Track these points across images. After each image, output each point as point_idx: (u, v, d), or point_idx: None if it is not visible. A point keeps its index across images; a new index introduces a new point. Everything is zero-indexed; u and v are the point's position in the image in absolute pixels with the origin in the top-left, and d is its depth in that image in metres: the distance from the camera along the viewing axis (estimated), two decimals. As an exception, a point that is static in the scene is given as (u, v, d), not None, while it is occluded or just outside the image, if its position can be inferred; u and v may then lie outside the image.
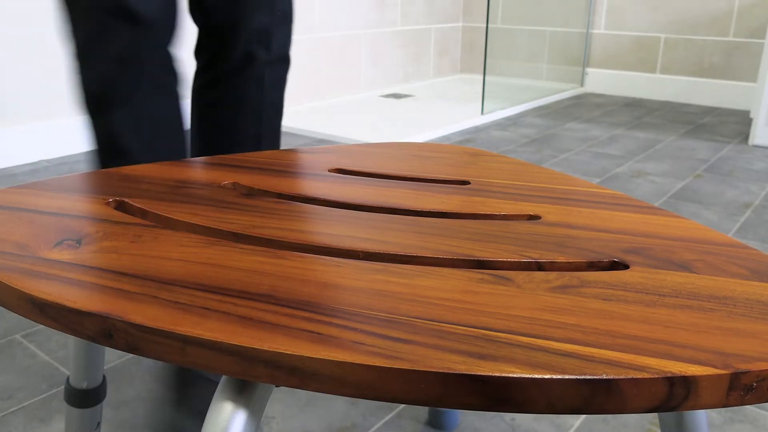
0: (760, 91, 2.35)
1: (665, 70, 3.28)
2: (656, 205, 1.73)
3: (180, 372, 0.87)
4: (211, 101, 0.96)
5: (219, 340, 0.28)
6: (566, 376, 0.26)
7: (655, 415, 0.92)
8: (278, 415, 0.90)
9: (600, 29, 3.43)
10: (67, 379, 0.60)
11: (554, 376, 0.25)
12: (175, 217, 0.43)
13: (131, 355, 1.04)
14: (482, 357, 0.27)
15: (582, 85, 3.54)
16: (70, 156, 2.18)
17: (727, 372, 0.26)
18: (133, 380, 0.99)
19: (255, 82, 0.95)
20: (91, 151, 0.85)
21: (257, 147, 0.96)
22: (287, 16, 0.95)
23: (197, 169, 0.54)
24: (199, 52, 0.98)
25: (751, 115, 2.48)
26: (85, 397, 0.60)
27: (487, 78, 3.57)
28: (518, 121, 2.70)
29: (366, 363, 0.26)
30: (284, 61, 0.98)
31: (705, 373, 0.26)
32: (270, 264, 0.36)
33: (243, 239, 0.40)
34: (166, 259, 0.36)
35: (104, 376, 0.61)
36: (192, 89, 1.01)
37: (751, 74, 3.06)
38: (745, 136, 2.52)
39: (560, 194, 0.50)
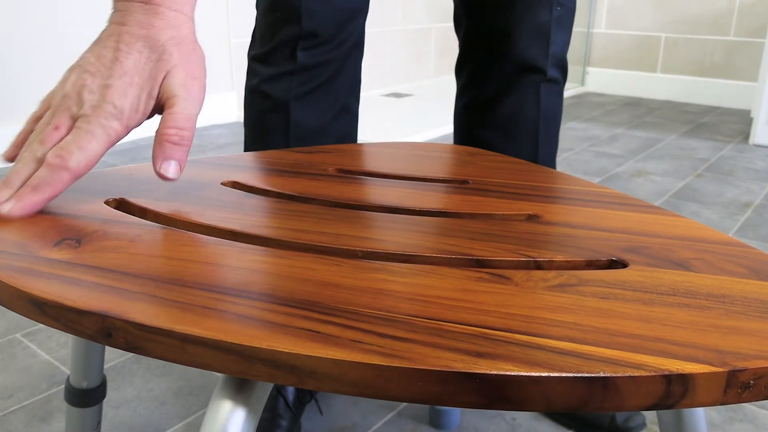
0: (760, 91, 2.35)
1: (666, 70, 3.28)
2: (657, 204, 1.73)
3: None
4: (478, 122, 0.84)
5: (218, 338, 0.28)
6: (564, 374, 0.26)
7: (654, 413, 0.92)
8: (278, 415, 0.90)
9: (600, 28, 3.43)
10: (68, 378, 0.60)
11: (552, 374, 0.26)
12: (175, 217, 0.43)
13: (131, 354, 1.04)
14: (480, 355, 0.27)
15: (582, 84, 3.54)
16: (70, 156, 2.17)
17: (725, 370, 0.26)
18: (133, 379, 0.99)
19: (531, 98, 0.80)
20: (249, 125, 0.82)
21: None
22: (570, 11, 0.80)
23: (197, 169, 0.54)
24: (462, 66, 0.86)
25: (752, 115, 2.48)
26: (86, 397, 0.60)
27: (487, 77, 3.55)
28: (518, 121, 2.70)
29: (365, 361, 0.26)
30: (563, 69, 0.82)
31: (702, 371, 0.26)
32: (269, 263, 0.36)
33: (242, 238, 0.40)
34: (166, 258, 0.36)
35: (104, 376, 0.61)
36: (455, 111, 0.88)
37: (751, 73, 3.06)
38: (745, 136, 2.52)
39: (559, 193, 0.50)
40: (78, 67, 0.43)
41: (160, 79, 0.43)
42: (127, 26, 0.43)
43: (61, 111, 0.42)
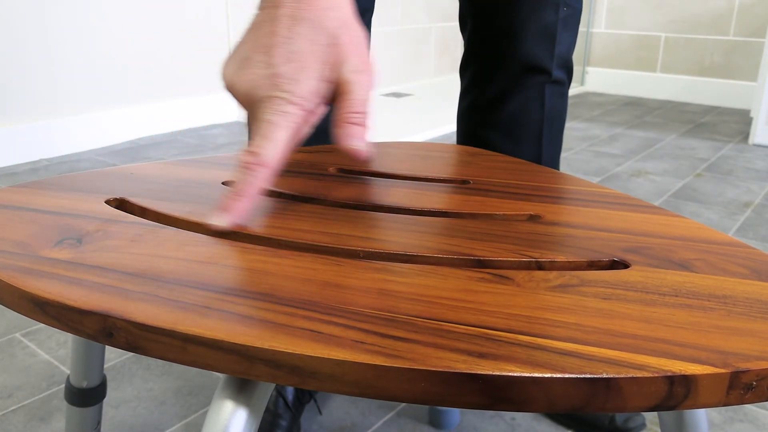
0: (760, 91, 2.35)
1: (665, 69, 3.28)
2: (656, 204, 1.73)
3: None
4: (482, 122, 0.82)
5: (219, 338, 0.28)
6: (566, 375, 0.26)
7: (655, 413, 0.92)
8: (278, 414, 0.90)
9: (600, 28, 3.43)
10: (68, 378, 0.60)
11: (554, 375, 0.26)
12: (175, 216, 0.43)
13: (131, 354, 1.04)
14: (482, 356, 0.27)
15: (582, 84, 3.54)
16: (70, 155, 2.18)
17: (727, 371, 0.26)
18: (132, 379, 0.99)
19: (535, 99, 0.79)
20: None
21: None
22: (576, 11, 0.79)
23: (198, 169, 0.54)
24: (467, 66, 0.84)
25: (752, 114, 2.48)
26: (86, 396, 0.60)
27: (487, 77, 3.56)
28: (518, 120, 2.70)
29: (366, 362, 0.26)
30: (568, 70, 0.81)
31: (705, 372, 0.26)
32: (270, 263, 0.36)
33: (243, 238, 0.40)
34: (167, 258, 0.36)
35: (104, 375, 0.61)
36: (458, 110, 0.87)
37: (751, 73, 3.06)
38: (745, 135, 2.52)
39: (560, 193, 0.50)
40: (240, 60, 0.42)
41: (332, 64, 0.42)
42: (282, 8, 0.42)
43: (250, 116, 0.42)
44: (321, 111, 0.44)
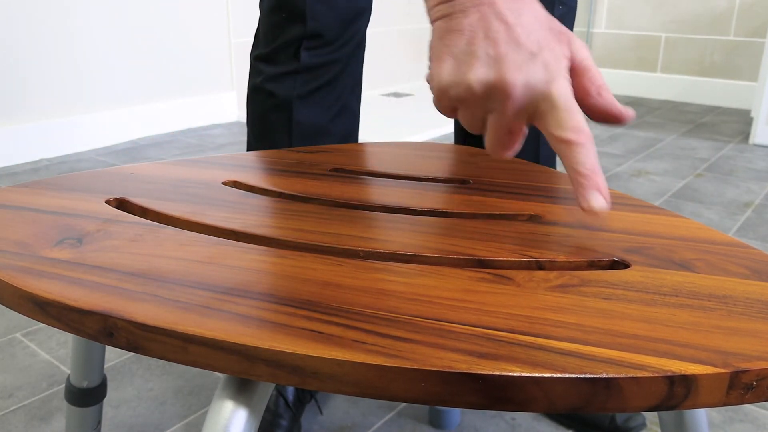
0: (760, 90, 2.35)
1: (666, 69, 3.28)
2: (657, 204, 1.73)
3: None
4: None
5: (220, 338, 0.28)
6: (567, 375, 0.26)
7: (655, 413, 0.92)
8: (278, 414, 0.90)
9: (600, 28, 3.43)
10: (68, 377, 0.60)
11: (555, 375, 0.26)
12: (175, 216, 0.43)
13: (131, 354, 1.04)
14: (483, 356, 0.27)
15: (582, 84, 3.53)
16: (70, 155, 2.18)
17: (727, 371, 0.26)
18: (133, 379, 0.99)
19: None
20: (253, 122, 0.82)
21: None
22: (571, 9, 0.80)
23: (198, 168, 0.54)
24: None
25: (752, 114, 2.48)
26: (86, 396, 0.60)
27: (487, 77, 3.56)
28: (518, 120, 2.70)
29: (367, 362, 0.26)
30: None
31: (705, 372, 0.26)
32: (270, 263, 0.36)
33: (243, 238, 0.40)
34: (167, 258, 0.36)
35: (105, 375, 0.61)
36: None
37: (751, 73, 3.06)
38: (745, 136, 2.52)
39: (560, 193, 0.50)
40: (481, 58, 0.41)
41: (566, 45, 0.43)
42: (496, 5, 0.42)
43: (513, 112, 0.42)
44: None
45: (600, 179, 0.40)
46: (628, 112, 0.44)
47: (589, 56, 0.44)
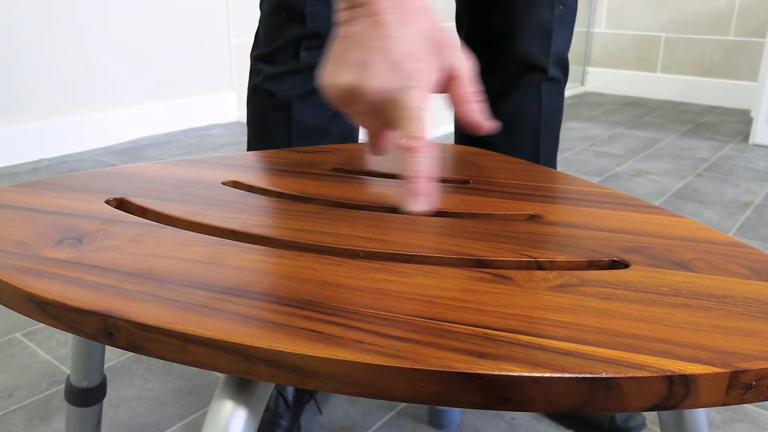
0: (760, 90, 2.35)
1: (666, 69, 3.28)
2: (657, 204, 1.73)
3: None
4: None
5: (219, 338, 0.28)
6: (566, 375, 0.26)
7: (654, 413, 0.92)
8: (278, 414, 0.90)
9: (600, 28, 3.43)
10: (68, 377, 0.60)
11: (554, 375, 0.26)
12: (175, 216, 0.43)
13: (131, 354, 1.04)
14: (482, 355, 0.27)
15: (582, 84, 3.54)
16: (70, 155, 2.18)
17: (727, 371, 0.26)
18: (133, 379, 0.99)
19: (532, 97, 0.80)
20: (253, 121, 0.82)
21: None
22: (571, 9, 0.80)
23: (197, 168, 0.54)
24: None
25: (752, 114, 2.48)
26: (86, 396, 0.60)
27: (487, 77, 3.56)
28: (518, 120, 2.70)
29: (366, 362, 0.26)
30: (564, 69, 0.82)
31: (704, 372, 0.26)
32: (270, 263, 0.36)
33: (243, 238, 0.40)
34: (167, 258, 0.36)
35: (104, 375, 0.61)
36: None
37: (751, 73, 3.06)
38: (745, 136, 2.52)
39: (560, 193, 0.50)
40: (355, 65, 0.45)
41: (441, 56, 0.46)
42: (383, 15, 0.45)
43: (371, 114, 0.46)
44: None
45: (427, 185, 0.43)
46: (484, 124, 0.47)
47: (465, 66, 0.47)
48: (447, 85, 0.48)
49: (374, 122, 0.47)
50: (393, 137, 0.49)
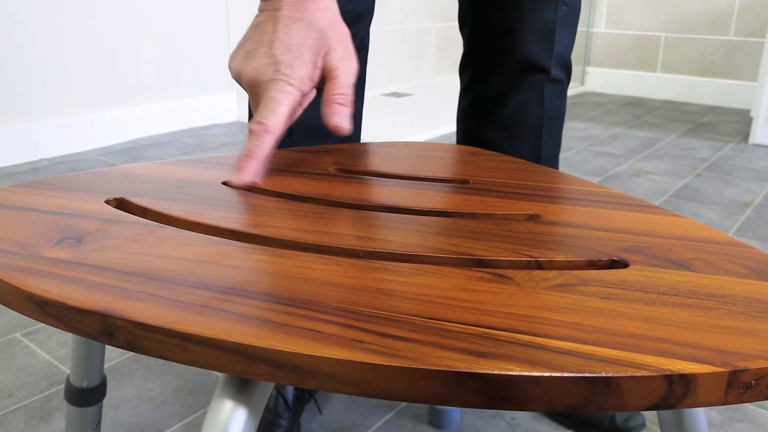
0: (760, 90, 2.35)
1: (666, 69, 3.28)
2: (656, 204, 1.73)
3: None
4: (481, 121, 0.83)
5: (219, 338, 0.28)
6: (565, 374, 0.26)
7: (654, 413, 0.92)
8: (278, 414, 0.90)
9: (600, 28, 3.43)
10: (68, 377, 0.60)
11: (553, 374, 0.26)
12: (175, 216, 0.43)
13: (131, 353, 1.04)
14: (482, 355, 0.27)
15: (582, 83, 3.54)
16: (70, 155, 2.18)
17: (726, 370, 0.26)
18: (132, 379, 0.99)
19: (534, 98, 0.80)
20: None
21: None
22: (575, 10, 0.80)
23: (197, 168, 0.54)
24: (466, 65, 0.85)
25: (752, 114, 2.48)
26: (86, 396, 0.60)
27: (487, 77, 3.56)
28: (518, 120, 2.70)
29: (366, 361, 0.26)
30: (566, 69, 0.82)
31: (704, 371, 0.26)
32: (270, 262, 0.36)
33: (243, 237, 0.40)
34: (167, 258, 0.36)
35: (104, 375, 0.61)
36: (458, 110, 0.88)
37: (751, 73, 3.06)
38: (745, 135, 2.52)
39: (560, 193, 0.50)
40: (246, 53, 0.51)
41: (322, 54, 0.50)
42: (282, 11, 0.50)
43: (252, 99, 0.51)
44: (312, 94, 0.53)
45: (248, 163, 0.48)
46: (340, 128, 0.51)
47: (342, 67, 0.51)
48: (324, 84, 0.51)
49: (252, 103, 0.52)
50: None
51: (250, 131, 0.48)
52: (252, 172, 0.49)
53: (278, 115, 0.48)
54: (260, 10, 0.52)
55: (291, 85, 0.49)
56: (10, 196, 0.46)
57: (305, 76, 0.50)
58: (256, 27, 0.51)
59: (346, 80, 0.51)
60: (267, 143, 0.48)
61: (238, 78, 0.51)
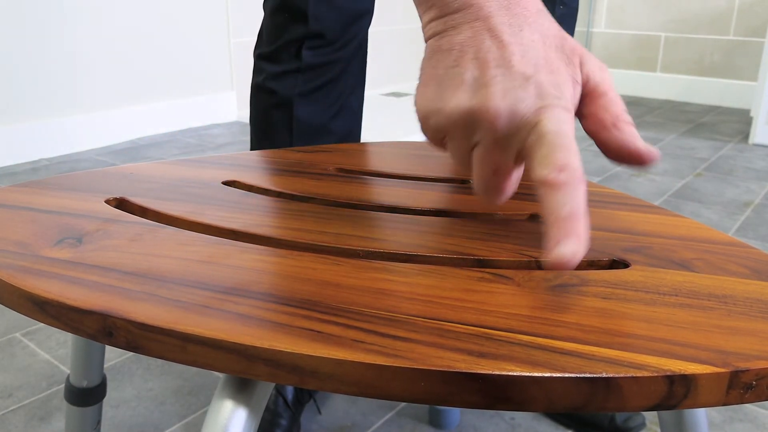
0: (760, 90, 2.35)
1: (665, 69, 3.28)
2: (656, 204, 1.73)
3: None
4: None
5: (219, 338, 0.28)
6: (566, 375, 0.26)
7: (654, 413, 0.92)
8: (278, 414, 0.90)
9: (600, 28, 3.43)
10: (67, 377, 0.60)
11: (554, 375, 0.26)
12: (175, 216, 0.43)
13: (131, 353, 1.04)
14: (482, 355, 0.27)
15: (582, 84, 3.53)
16: (70, 154, 2.18)
17: (727, 370, 0.26)
18: (132, 379, 0.99)
19: None
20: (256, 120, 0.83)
21: None
22: (573, 10, 0.79)
23: (197, 168, 0.54)
24: None
25: (752, 114, 2.48)
26: (86, 396, 0.60)
27: (487, 77, 3.57)
28: (518, 120, 2.70)
29: (366, 361, 0.26)
30: None
31: (704, 372, 0.26)
32: (270, 262, 0.36)
33: (243, 237, 0.40)
34: (167, 258, 0.36)
35: (104, 375, 0.61)
36: None
37: (751, 73, 3.06)
38: (745, 135, 2.52)
39: (560, 193, 0.50)
40: (459, 84, 0.36)
41: (576, 65, 0.37)
42: (494, 19, 0.36)
43: (498, 145, 0.36)
44: None
45: (580, 225, 0.32)
46: (652, 152, 0.37)
47: (607, 78, 0.38)
48: (584, 103, 0.38)
49: (497, 156, 0.36)
50: (519, 172, 0.38)
51: (550, 184, 0.33)
52: (585, 236, 0.32)
53: (576, 152, 0.34)
54: (444, 30, 0.37)
55: (568, 110, 0.35)
56: (10, 196, 0.46)
57: (573, 96, 0.36)
58: (458, 48, 0.36)
59: (616, 93, 0.39)
60: (582, 196, 0.33)
61: (464, 122, 0.36)
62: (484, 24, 0.36)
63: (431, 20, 0.38)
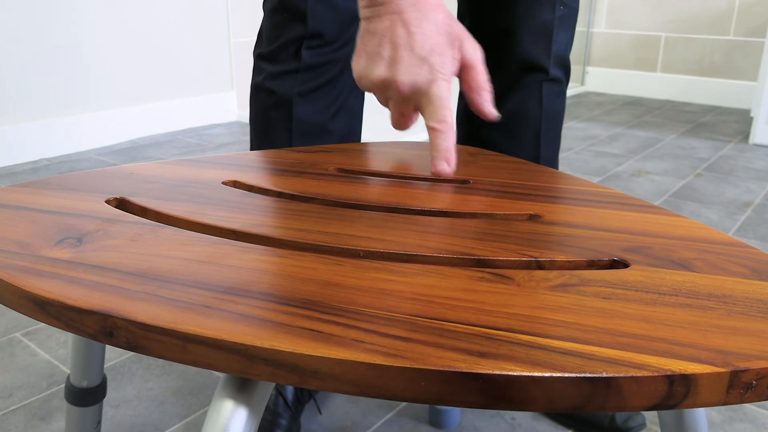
0: (760, 90, 2.35)
1: (666, 69, 3.28)
2: (656, 203, 1.73)
3: None
4: (481, 121, 0.83)
5: (220, 338, 0.28)
6: (566, 374, 0.26)
7: (655, 413, 0.92)
8: (278, 414, 0.90)
9: (600, 28, 3.43)
10: (68, 377, 0.60)
11: (554, 374, 0.26)
12: (175, 216, 0.43)
13: (131, 353, 1.04)
14: (482, 355, 0.27)
15: (582, 83, 3.54)
16: (70, 154, 2.18)
17: (727, 370, 0.26)
18: (132, 379, 0.99)
19: (533, 97, 0.81)
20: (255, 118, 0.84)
21: None
22: (573, 10, 0.81)
23: (198, 168, 0.54)
24: None
25: (752, 114, 2.48)
26: (86, 396, 0.60)
27: (487, 77, 3.56)
28: (518, 120, 2.69)
29: (366, 361, 0.26)
30: (565, 69, 0.83)
31: (704, 372, 0.26)
32: (270, 262, 0.36)
33: (243, 237, 0.40)
34: (167, 258, 0.36)
35: (104, 375, 0.61)
36: (457, 109, 0.89)
37: (751, 73, 3.06)
38: (745, 135, 2.52)
39: (560, 193, 0.50)
40: (378, 58, 0.52)
41: (457, 47, 0.53)
42: (406, 14, 0.52)
43: (402, 101, 0.54)
44: None
45: (450, 155, 0.53)
46: (492, 113, 0.56)
47: (477, 57, 0.54)
48: (461, 74, 0.54)
49: (402, 107, 0.54)
50: (415, 117, 0.57)
51: (435, 130, 0.52)
52: (455, 163, 0.53)
53: (451, 110, 0.52)
54: (371, 16, 0.53)
55: (448, 81, 0.52)
56: (10, 196, 0.46)
57: (454, 71, 0.53)
58: (380, 33, 0.52)
59: (484, 67, 0.54)
60: (453, 138, 0.53)
61: (387, 84, 0.52)
62: (398, 17, 0.52)
63: (365, 6, 0.53)
